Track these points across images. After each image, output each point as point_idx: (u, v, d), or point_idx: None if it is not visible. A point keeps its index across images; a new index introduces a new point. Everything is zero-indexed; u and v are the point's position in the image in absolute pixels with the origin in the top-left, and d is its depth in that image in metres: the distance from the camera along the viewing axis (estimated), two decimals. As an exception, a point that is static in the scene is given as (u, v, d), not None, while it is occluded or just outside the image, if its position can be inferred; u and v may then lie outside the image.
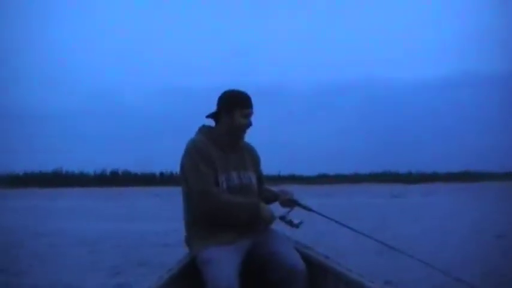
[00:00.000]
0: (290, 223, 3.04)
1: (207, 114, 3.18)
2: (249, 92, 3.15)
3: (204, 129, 3.17)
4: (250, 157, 3.27)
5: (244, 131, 3.16)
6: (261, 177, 3.35)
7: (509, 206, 22.20)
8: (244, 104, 3.09)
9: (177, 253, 3.30)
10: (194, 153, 2.99)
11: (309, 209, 3.19)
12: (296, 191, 3.47)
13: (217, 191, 2.96)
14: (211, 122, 3.22)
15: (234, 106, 3.07)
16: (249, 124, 3.13)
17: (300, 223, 3.04)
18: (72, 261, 8.28)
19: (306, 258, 3.07)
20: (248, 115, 3.11)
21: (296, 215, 3.13)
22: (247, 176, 3.15)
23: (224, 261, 2.82)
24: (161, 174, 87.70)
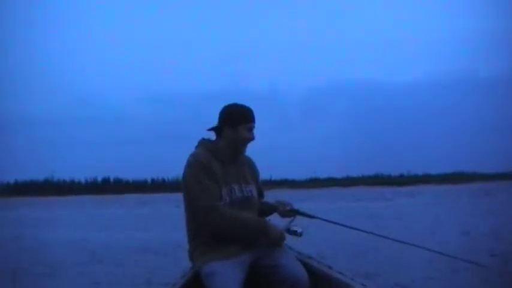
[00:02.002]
0: (294, 233, 3.07)
1: (208, 127, 3.19)
2: (241, 98, 3.20)
3: (204, 142, 3.19)
4: (250, 170, 3.29)
5: (246, 145, 3.19)
6: (260, 190, 3.37)
7: (501, 205, 22.40)
8: (248, 118, 3.13)
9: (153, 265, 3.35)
10: (197, 167, 2.99)
11: (312, 216, 3.22)
12: (286, 195, 3.52)
13: (223, 206, 2.96)
14: (210, 135, 3.23)
15: (238, 120, 3.10)
16: (253, 138, 3.17)
17: (302, 231, 3.08)
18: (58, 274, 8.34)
19: (309, 268, 3.08)
20: (252, 129, 3.15)
21: (294, 223, 3.17)
22: (248, 189, 3.17)
23: (228, 274, 2.84)
24: (152, 180, 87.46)
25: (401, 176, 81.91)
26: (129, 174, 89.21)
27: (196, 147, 3.20)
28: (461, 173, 75.76)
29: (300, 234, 3.07)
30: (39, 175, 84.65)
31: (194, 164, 3.02)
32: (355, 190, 58.61)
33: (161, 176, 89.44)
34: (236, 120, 3.11)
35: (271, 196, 3.58)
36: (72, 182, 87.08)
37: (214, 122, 3.19)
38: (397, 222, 15.57)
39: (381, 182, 72.46)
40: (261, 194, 3.37)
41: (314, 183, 78.91)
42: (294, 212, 3.23)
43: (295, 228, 3.09)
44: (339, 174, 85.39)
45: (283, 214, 3.27)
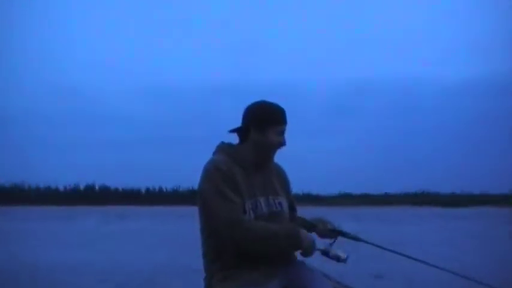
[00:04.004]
0: (337, 258, 3.06)
1: (229, 129, 3.23)
2: (256, 94, 3.20)
3: (225, 147, 3.22)
4: (280, 180, 3.33)
5: (275, 151, 3.22)
6: (292, 204, 3.39)
7: None
8: (280, 119, 3.17)
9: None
10: (217, 177, 3.02)
11: (358, 239, 3.21)
12: (312, 213, 3.53)
13: (248, 219, 3.00)
14: (231, 138, 3.28)
15: (268, 122, 3.13)
16: (284, 143, 3.20)
17: (347, 257, 3.06)
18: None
19: None
20: (283, 132, 3.18)
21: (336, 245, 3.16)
22: (277, 202, 3.20)
23: None
24: (147, 190, 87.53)
25: (452, 194, 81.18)
26: (119, 182, 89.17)
27: (215, 152, 3.24)
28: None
29: (345, 260, 3.05)
30: (4, 181, 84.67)
31: (213, 173, 3.05)
32: (395, 210, 58.33)
33: (158, 185, 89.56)
34: (265, 121, 3.14)
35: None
36: (47, 189, 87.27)
37: (224, 120, 3.23)
38: (446, 249, 15.50)
39: (426, 201, 71.96)
40: (292, 209, 3.40)
41: (344, 199, 78.62)
42: (336, 233, 3.22)
43: (338, 253, 3.07)
44: (374, 190, 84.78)
45: (323, 234, 3.27)
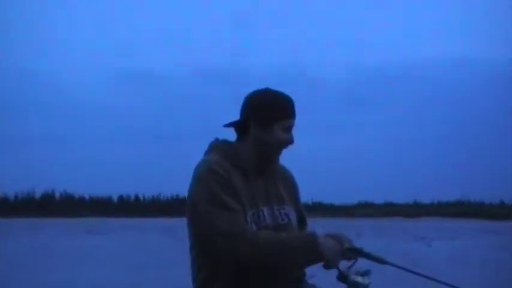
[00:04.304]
0: (355, 284, 3.08)
1: (225, 123, 3.22)
2: (249, 80, 3.16)
3: (220, 145, 3.21)
4: (286, 186, 3.33)
5: (281, 150, 3.22)
6: (302, 215, 3.40)
7: None
8: (288, 113, 3.15)
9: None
10: (211, 180, 3.01)
11: (382, 261, 3.20)
12: (329, 227, 3.52)
13: (252, 230, 2.98)
14: (227, 134, 3.28)
15: (274, 116, 3.11)
16: (291, 141, 3.19)
17: (369, 283, 3.07)
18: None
19: None
20: (290, 128, 3.17)
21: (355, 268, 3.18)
22: (283, 212, 3.20)
23: None
24: (120, 198, 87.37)
25: (501, 203, 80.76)
26: (86, 188, 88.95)
27: (208, 151, 3.23)
28: None
29: (366, 287, 3.06)
30: None
31: (207, 176, 3.04)
32: (427, 223, 58.36)
33: (134, 192, 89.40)
34: (270, 115, 3.12)
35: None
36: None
37: (218, 112, 3.20)
38: (491, 273, 15.55)
39: (466, 212, 71.88)
40: (302, 221, 3.41)
41: (364, 209, 78.62)
42: (355, 252, 3.22)
43: (357, 278, 3.08)
44: (400, 198, 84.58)
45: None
